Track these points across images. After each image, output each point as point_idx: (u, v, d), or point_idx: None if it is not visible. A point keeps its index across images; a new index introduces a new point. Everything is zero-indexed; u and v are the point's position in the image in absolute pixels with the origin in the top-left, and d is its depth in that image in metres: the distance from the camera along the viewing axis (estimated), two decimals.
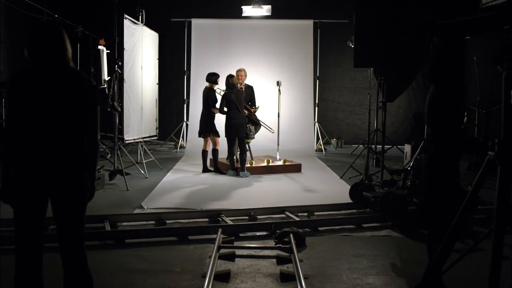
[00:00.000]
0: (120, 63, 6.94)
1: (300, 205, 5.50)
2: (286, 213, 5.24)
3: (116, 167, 7.03)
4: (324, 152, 10.72)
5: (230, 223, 4.81)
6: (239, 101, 7.62)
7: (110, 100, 6.87)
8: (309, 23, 10.92)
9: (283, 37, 10.90)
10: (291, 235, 4.30)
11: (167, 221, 4.99)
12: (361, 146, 10.86)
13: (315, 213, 5.39)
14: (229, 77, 7.67)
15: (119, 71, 6.93)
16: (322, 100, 11.75)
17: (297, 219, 5.01)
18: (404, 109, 12.60)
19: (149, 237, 4.45)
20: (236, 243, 4.32)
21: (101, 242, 4.34)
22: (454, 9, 7.88)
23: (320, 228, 4.82)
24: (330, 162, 9.45)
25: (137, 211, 5.48)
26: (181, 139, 10.93)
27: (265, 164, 8.07)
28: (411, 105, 12.52)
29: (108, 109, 6.92)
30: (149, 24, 8.75)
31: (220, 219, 5.05)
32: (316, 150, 10.77)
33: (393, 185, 6.09)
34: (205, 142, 7.94)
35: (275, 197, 6.23)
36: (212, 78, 7.91)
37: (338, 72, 12.56)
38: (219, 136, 7.88)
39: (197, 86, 10.76)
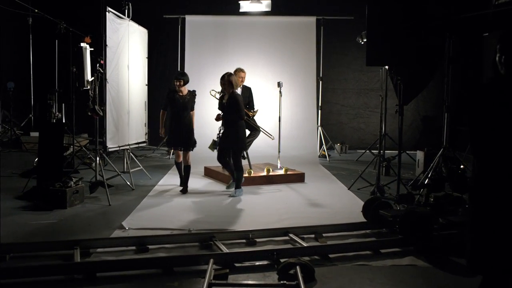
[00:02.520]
0: (102, 62, 6.17)
1: (306, 226, 4.73)
2: (290, 235, 4.48)
3: (97, 178, 6.27)
4: (328, 159, 9.97)
5: (224, 249, 4.05)
6: None
7: (90, 103, 6.12)
8: (312, 19, 10.18)
9: (283, 35, 10.16)
10: (298, 267, 3.54)
11: (150, 246, 4.22)
12: (368, 152, 10.13)
13: (324, 235, 4.63)
14: (231, 75, 6.45)
15: (101, 71, 6.18)
16: (324, 103, 10.99)
17: (303, 243, 4.26)
18: (412, 111, 11.86)
19: (126, 269, 3.69)
20: (231, 278, 3.57)
21: (67, 277, 3.58)
22: (467, 5, 7.17)
23: (331, 256, 4.06)
24: (335, 170, 8.70)
25: (116, 232, 4.71)
26: None
27: (264, 173, 7.31)
28: (419, 108, 11.77)
29: (89, 114, 6.17)
30: (140, 21, 8.01)
31: (212, 243, 4.29)
32: (319, 156, 10.01)
33: (411, 200, 5.36)
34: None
35: (277, 214, 5.47)
36: None
37: (342, 73, 11.82)
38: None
39: (191, 87, 9.99)
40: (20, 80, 10.95)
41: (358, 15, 10.49)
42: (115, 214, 5.41)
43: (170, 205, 5.88)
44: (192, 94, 6.76)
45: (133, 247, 4.21)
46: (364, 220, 4.98)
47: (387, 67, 5.74)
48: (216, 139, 6.73)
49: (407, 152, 9.85)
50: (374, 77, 11.75)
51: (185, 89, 6.66)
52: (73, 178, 5.85)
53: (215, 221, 5.14)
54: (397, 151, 9.64)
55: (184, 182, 6.66)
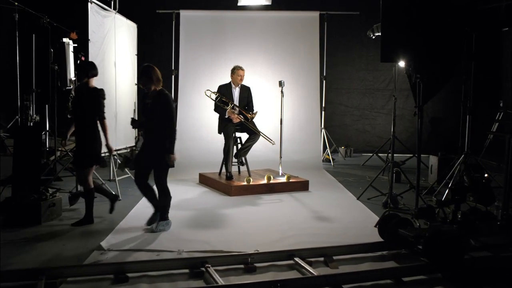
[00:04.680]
0: (83, 58, 5.53)
1: (314, 248, 4.08)
2: (296, 259, 3.84)
3: (78, 188, 5.62)
4: (332, 163, 9.32)
5: (218, 279, 3.39)
6: None
7: (70, 105, 5.48)
8: (315, 15, 9.52)
9: (285, 31, 9.50)
10: None
11: (131, 275, 3.57)
12: (375, 156, 9.51)
13: (335, 257, 3.98)
14: (153, 68, 4.86)
15: None
16: (328, 103, 10.31)
17: (311, 270, 3.61)
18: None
19: None
20: None
21: None
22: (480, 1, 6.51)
23: (345, 286, 3.42)
24: (341, 176, 8.05)
25: (93, 254, 4.05)
26: None
27: (265, 181, 6.66)
28: (427, 109, 11.10)
29: (68, 116, 5.52)
30: (129, 15, 7.37)
31: (204, 269, 3.64)
32: (323, 161, 9.36)
33: (432, 214, 4.70)
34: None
35: (279, 230, 4.82)
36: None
37: (346, 72, 11.18)
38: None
39: (186, 87, 9.40)
40: (6, 79, 10.30)
41: (363, 10, 9.88)
42: (95, 230, 4.76)
43: None
44: (93, 93, 4.93)
45: (111, 276, 3.56)
46: (378, 237, 4.34)
47: (402, 64, 5.10)
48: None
49: (416, 155, 9.21)
50: (380, 76, 11.14)
51: (89, 85, 4.99)
52: (49, 189, 5.20)
53: (209, 239, 4.49)
54: (406, 155, 9.14)
55: (86, 212, 5.01)
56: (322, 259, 3.97)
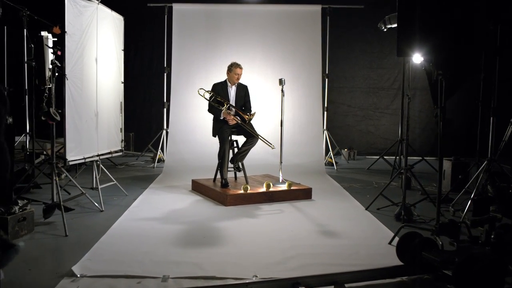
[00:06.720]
0: (59, 53, 4.92)
1: (322, 274, 3.47)
2: None
3: (55, 199, 5.01)
4: (335, 167, 8.72)
5: None
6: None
7: (45, 105, 4.85)
8: (317, 8, 8.96)
9: (284, 26, 8.94)
10: None
11: None
12: (381, 159, 8.91)
13: (347, 286, 3.38)
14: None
15: (57, 64, 4.91)
16: (329, 103, 9.71)
17: None
18: (426, 113, 10.66)
19: None
20: None
21: None
22: None
23: None
24: (345, 182, 7.45)
25: (63, 282, 3.43)
26: (159, 151, 8.90)
27: (264, 189, 6.05)
28: (436, 108, 10.51)
29: (42, 118, 4.90)
30: (118, 8, 6.74)
31: None
32: (325, 164, 8.77)
33: (455, 230, 4.11)
34: None
35: (280, 249, 4.21)
36: None
37: (349, 70, 10.59)
38: None
39: (179, 86, 8.84)
40: None
41: (368, 3, 9.31)
42: (70, 249, 4.15)
43: (144, 235, 4.60)
44: None
45: None
46: (394, 255, 3.75)
47: (418, 60, 4.51)
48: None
49: (425, 158, 8.66)
50: (384, 75, 10.57)
51: None
52: (19, 201, 4.58)
53: (200, 261, 3.87)
54: (414, 158, 8.55)
55: None
56: (332, 287, 3.36)
